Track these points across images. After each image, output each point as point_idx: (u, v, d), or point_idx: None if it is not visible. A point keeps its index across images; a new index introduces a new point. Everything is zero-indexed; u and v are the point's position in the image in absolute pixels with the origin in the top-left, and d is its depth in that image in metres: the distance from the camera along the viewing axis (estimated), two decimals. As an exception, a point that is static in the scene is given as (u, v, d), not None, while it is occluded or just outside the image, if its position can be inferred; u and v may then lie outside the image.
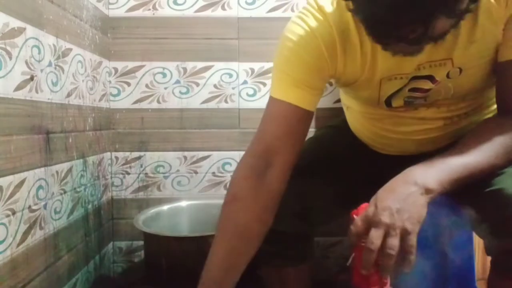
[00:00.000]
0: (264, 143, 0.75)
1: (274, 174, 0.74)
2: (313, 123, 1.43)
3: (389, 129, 0.86)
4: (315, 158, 0.91)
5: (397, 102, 0.79)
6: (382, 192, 0.63)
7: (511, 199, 0.64)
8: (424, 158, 0.68)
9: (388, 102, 0.80)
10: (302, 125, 0.77)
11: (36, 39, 0.91)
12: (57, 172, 1.01)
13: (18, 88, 0.84)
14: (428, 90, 0.76)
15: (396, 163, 0.71)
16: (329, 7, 0.72)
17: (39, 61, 0.92)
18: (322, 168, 0.88)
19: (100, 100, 1.33)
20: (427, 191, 0.61)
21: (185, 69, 1.43)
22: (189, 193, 1.45)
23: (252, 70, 1.43)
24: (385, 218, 0.58)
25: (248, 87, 1.44)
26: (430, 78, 0.74)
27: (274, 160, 0.74)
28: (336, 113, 1.28)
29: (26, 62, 0.87)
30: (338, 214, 0.91)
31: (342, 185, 0.87)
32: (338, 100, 1.45)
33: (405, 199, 0.60)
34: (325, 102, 1.44)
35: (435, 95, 0.78)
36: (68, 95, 1.08)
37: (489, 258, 0.79)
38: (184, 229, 1.36)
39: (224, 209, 0.76)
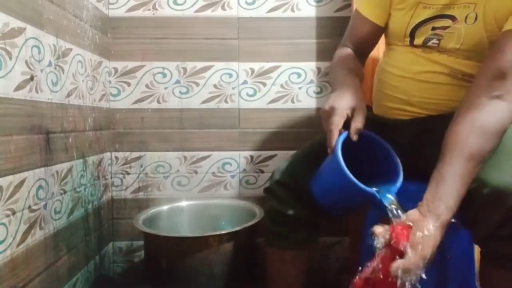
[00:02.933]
0: (350, 41, 1.04)
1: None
2: (316, 124, 1.44)
3: (402, 68, 0.95)
4: (320, 147, 0.95)
5: (419, 38, 0.92)
6: (419, 234, 0.67)
7: (497, 188, 0.70)
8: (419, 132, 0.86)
9: (412, 36, 0.93)
10: (373, 35, 1.03)
11: (36, 39, 0.91)
12: (57, 172, 1.01)
13: (18, 88, 0.84)
14: (446, 28, 0.88)
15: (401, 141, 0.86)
16: None
17: (39, 61, 0.92)
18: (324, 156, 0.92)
19: (100, 100, 1.33)
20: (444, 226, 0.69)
21: (185, 69, 1.43)
22: (189, 193, 1.45)
23: (252, 70, 1.44)
24: (419, 266, 0.65)
25: (248, 87, 1.44)
26: (452, 17, 0.88)
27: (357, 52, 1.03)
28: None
29: (26, 62, 0.87)
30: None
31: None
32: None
33: (434, 245, 0.67)
34: (325, 102, 1.44)
35: (449, 38, 0.88)
36: (68, 95, 1.08)
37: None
38: (184, 229, 1.36)
39: (334, 60, 1.03)
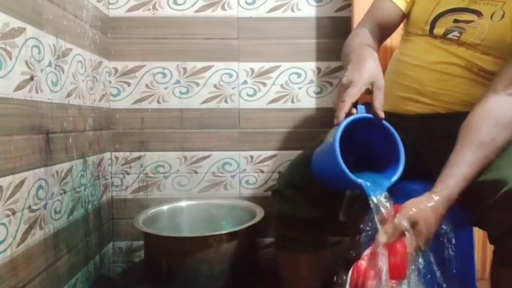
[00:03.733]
0: (369, 24, 1.00)
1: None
2: (316, 124, 1.44)
3: (418, 57, 0.94)
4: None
5: (440, 28, 0.92)
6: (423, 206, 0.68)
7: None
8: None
9: (432, 25, 0.93)
10: (393, 21, 1.01)
11: (36, 39, 0.91)
12: (57, 172, 1.01)
13: (18, 88, 0.84)
14: (470, 22, 0.88)
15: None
16: None
17: (39, 61, 0.92)
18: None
19: (100, 100, 1.33)
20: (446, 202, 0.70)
21: (185, 69, 1.43)
22: (189, 193, 1.45)
23: (252, 70, 1.44)
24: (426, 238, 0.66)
25: (248, 87, 1.44)
26: (477, 12, 0.88)
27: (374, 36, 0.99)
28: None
29: (26, 62, 0.87)
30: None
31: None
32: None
33: (437, 217, 0.68)
34: (325, 102, 1.44)
35: (471, 32, 0.88)
36: (68, 95, 1.08)
37: (489, 258, 0.79)
38: (184, 229, 1.36)
39: (351, 36, 0.99)
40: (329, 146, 0.73)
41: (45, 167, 0.95)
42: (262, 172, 1.46)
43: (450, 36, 0.91)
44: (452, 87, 0.90)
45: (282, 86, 1.44)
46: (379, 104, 0.73)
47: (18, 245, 0.83)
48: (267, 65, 1.44)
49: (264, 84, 1.44)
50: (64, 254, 1.05)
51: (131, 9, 1.40)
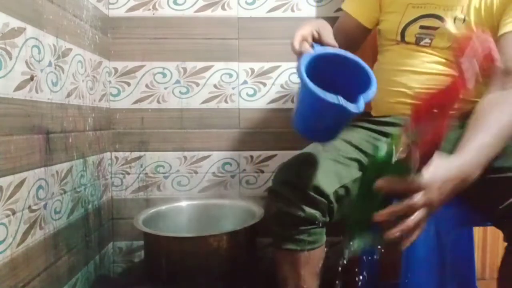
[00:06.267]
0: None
1: None
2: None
3: (399, 62, 0.99)
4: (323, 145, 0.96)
5: (409, 37, 0.97)
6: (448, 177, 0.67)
7: None
8: None
9: (402, 34, 0.98)
10: (356, 34, 1.08)
11: (36, 39, 0.91)
12: (57, 172, 1.01)
13: (18, 88, 0.84)
14: (436, 28, 0.94)
15: None
16: None
17: (39, 61, 0.92)
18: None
19: (100, 100, 1.33)
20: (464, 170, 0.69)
21: (185, 69, 1.43)
22: (189, 193, 1.45)
23: (252, 70, 1.44)
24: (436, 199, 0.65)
25: (248, 87, 1.44)
26: (440, 18, 0.94)
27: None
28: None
29: (26, 62, 0.87)
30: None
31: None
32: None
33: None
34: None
35: (440, 38, 0.93)
36: (68, 95, 1.08)
37: (489, 259, 0.79)
38: (184, 229, 1.36)
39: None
40: (300, 82, 0.74)
41: (45, 167, 0.95)
42: (262, 172, 1.46)
43: (422, 43, 0.96)
44: (437, 85, 0.92)
45: (282, 86, 1.44)
46: (329, 37, 0.79)
47: (18, 245, 0.83)
48: (267, 65, 1.44)
49: (264, 84, 1.44)
50: (64, 254, 1.05)
51: (131, 9, 1.40)
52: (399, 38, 0.99)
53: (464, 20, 0.92)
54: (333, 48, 0.79)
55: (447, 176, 0.66)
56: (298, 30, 0.81)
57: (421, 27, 0.96)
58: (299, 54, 0.79)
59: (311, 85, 0.70)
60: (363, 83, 0.76)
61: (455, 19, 0.93)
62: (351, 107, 0.70)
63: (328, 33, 0.81)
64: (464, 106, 0.89)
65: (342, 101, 0.70)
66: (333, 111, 0.72)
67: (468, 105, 0.87)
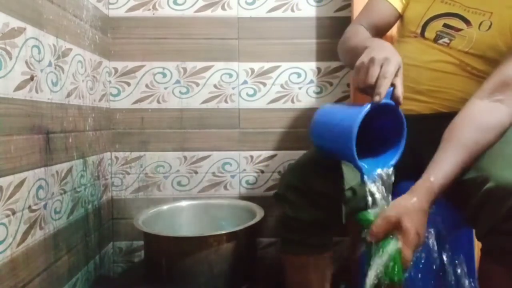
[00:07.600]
0: (365, 22, 1.03)
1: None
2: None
3: (413, 57, 0.96)
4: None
5: (430, 32, 0.96)
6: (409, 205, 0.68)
7: (501, 183, 0.69)
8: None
9: (424, 28, 0.96)
10: (388, 20, 1.04)
11: (36, 39, 0.91)
12: (57, 172, 1.01)
13: (18, 88, 0.84)
14: (459, 30, 0.92)
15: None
16: None
17: (39, 61, 0.92)
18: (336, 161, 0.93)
19: (100, 100, 1.33)
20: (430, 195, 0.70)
21: (185, 69, 1.43)
22: (189, 193, 1.45)
23: (252, 70, 1.44)
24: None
25: (248, 87, 1.44)
26: (466, 20, 0.92)
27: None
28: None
29: (26, 62, 0.87)
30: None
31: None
32: (338, 100, 1.45)
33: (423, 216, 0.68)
34: (325, 102, 1.44)
35: (460, 41, 0.92)
36: (68, 95, 1.08)
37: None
38: (184, 229, 1.36)
39: (347, 33, 1.02)
40: (345, 127, 0.71)
41: (45, 167, 0.95)
42: (262, 172, 1.46)
43: (440, 42, 0.94)
44: (447, 85, 0.92)
45: (282, 86, 1.44)
46: (402, 90, 0.73)
47: (18, 245, 0.83)
48: (267, 65, 1.44)
49: (264, 84, 1.44)
50: (64, 254, 1.05)
51: (131, 9, 1.40)
52: (419, 31, 0.97)
53: (490, 26, 0.90)
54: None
55: (410, 206, 0.67)
56: (389, 62, 0.70)
57: (445, 25, 0.94)
58: (369, 95, 0.71)
59: (354, 148, 0.69)
60: (393, 142, 0.78)
61: (481, 23, 0.91)
62: (365, 171, 0.72)
63: (402, 76, 0.74)
64: (456, 106, 0.88)
65: (364, 168, 0.72)
66: (354, 166, 0.74)
67: (459, 105, 0.85)
